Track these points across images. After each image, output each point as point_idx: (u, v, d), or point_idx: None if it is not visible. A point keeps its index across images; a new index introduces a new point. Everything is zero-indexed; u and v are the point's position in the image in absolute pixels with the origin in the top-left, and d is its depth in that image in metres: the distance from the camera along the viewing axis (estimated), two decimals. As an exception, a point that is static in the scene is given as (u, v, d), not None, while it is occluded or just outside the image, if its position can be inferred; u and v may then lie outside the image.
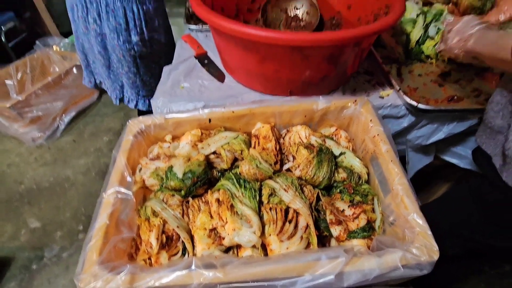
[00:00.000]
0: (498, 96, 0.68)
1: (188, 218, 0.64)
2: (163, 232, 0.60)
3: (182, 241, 0.60)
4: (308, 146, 0.70)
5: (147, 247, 0.58)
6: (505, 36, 0.57)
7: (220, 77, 0.94)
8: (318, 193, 0.66)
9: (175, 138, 0.77)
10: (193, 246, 0.60)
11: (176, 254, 0.60)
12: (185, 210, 0.66)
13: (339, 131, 0.77)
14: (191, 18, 1.23)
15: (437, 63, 1.01)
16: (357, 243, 0.58)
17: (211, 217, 0.62)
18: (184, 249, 0.60)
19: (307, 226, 0.59)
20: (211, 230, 0.60)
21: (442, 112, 0.82)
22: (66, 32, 2.55)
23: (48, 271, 1.39)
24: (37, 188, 1.75)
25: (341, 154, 0.72)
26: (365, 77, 0.97)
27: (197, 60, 1.01)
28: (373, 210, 0.64)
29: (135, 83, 1.16)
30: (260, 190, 0.65)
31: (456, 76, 0.97)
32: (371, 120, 0.69)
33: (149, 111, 1.13)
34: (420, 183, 1.59)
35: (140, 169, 0.71)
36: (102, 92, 1.33)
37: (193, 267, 0.48)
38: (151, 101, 0.87)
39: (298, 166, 0.68)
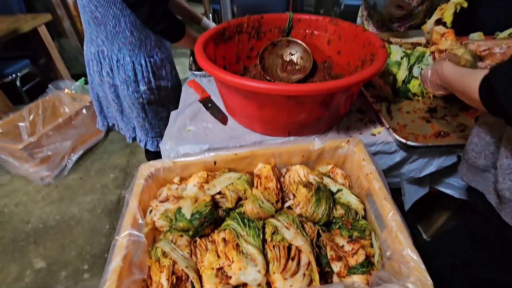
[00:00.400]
0: (476, 138, 0.71)
1: (196, 257, 0.68)
2: (173, 272, 0.64)
3: (191, 281, 0.63)
4: (307, 185, 0.75)
5: (158, 288, 0.61)
6: (473, 72, 0.58)
7: (223, 120, 1.01)
8: (318, 229, 0.70)
9: (182, 180, 0.83)
10: (201, 286, 0.63)
11: (185, 294, 0.63)
12: (193, 250, 0.69)
13: (335, 169, 0.83)
14: (195, 64, 1.34)
15: (424, 100, 1.09)
16: (357, 279, 0.61)
17: (218, 256, 0.65)
18: (193, 289, 0.63)
19: (309, 263, 0.63)
20: (218, 269, 0.63)
21: (430, 147, 0.88)
22: (76, 75, 2.72)
23: (52, 313, 1.38)
24: (43, 227, 1.78)
25: (338, 191, 0.77)
26: (358, 116, 1.04)
27: (201, 104, 1.09)
28: (371, 245, 0.68)
29: (144, 126, 1.26)
30: (264, 228, 0.69)
31: (442, 111, 1.04)
32: (363, 159, 0.75)
33: (156, 151, 1.20)
34: (420, 211, 1.62)
35: (151, 211, 0.76)
36: (109, 129, 1.44)
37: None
38: (160, 145, 0.94)
39: (298, 204, 0.72)
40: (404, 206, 1.10)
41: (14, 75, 2.23)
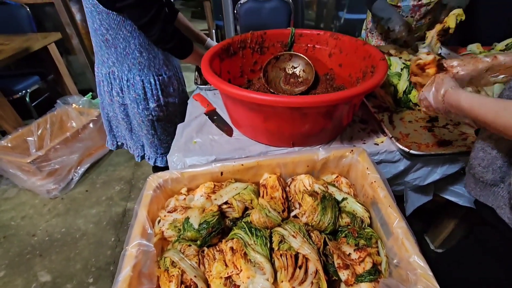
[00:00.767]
0: (481, 152, 0.69)
1: (204, 267, 0.68)
2: (181, 282, 0.64)
3: (200, 291, 0.64)
4: (312, 194, 0.76)
5: (167, 298, 0.62)
6: (508, 106, 0.52)
7: (228, 132, 1.04)
8: (325, 238, 0.71)
9: (190, 190, 0.84)
10: (210, 295, 0.64)
11: (194, 304, 0.64)
12: (201, 260, 0.70)
13: (340, 178, 0.84)
14: (200, 78, 1.39)
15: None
16: (365, 287, 0.62)
17: (226, 265, 0.66)
18: (202, 299, 0.64)
19: (317, 271, 0.63)
20: (226, 278, 0.64)
21: (433, 156, 0.89)
22: (83, 90, 2.79)
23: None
24: (49, 240, 1.78)
25: (343, 199, 0.78)
26: (360, 126, 1.06)
27: (207, 117, 1.12)
28: (378, 253, 0.68)
29: (153, 143, 1.30)
30: (271, 237, 0.70)
31: (444, 120, 1.06)
32: (367, 168, 0.76)
33: (166, 167, 1.22)
34: (426, 220, 1.61)
35: (159, 221, 0.77)
36: (118, 148, 1.49)
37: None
38: (167, 157, 0.96)
39: (304, 213, 0.73)
40: (405, 212, 1.10)
41: (24, 91, 2.28)
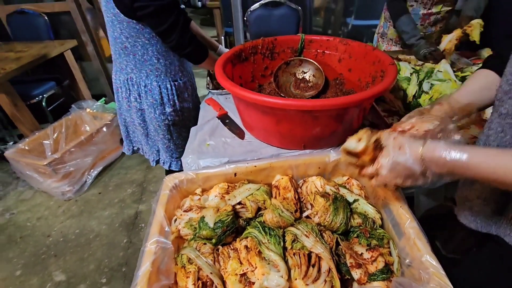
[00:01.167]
0: (478, 184, 0.68)
1: (219, 265, 0.71)
2: (198, 278, 0.67)
3: (216, 286, 0.66)
4: (324, 195, 0.78)
5: (185, 293, 0.64)
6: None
7: (241, 135, 1.07)
8: (337, 238, 0.73)
9: (204, 191, 0.87)
10: (226, 292, 0.66)
11: (210, 299, 0.66)
12: (216, 258, 0.72)
13: (351, 180, 0.86)
14: (212, 83, 1.43)
15: (435, 113, 1.12)
16: (378, 285, 0.63)
17: (241, 263, 0.68)
18: (218, 295, 0.66)
19: (330, 270, 0.65)
20: (241, 275, 0.66)
21: (443, 159, 0.90)
22: (97, 95, 2.88)
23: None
24: (64, 240, 1.83)
25: (354, 201, 0.79)
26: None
27: (219, 120, 1.15)
28: (390, 253, 0.70)
29: (169, 147, 1.34)
30: (284, 236, 0.72)
31: (454, 124, 1.07)
32: (378, 170, 0.78)
33: (179, 171, 1.26)
34: (437, 226, 1.59)
35: (175, 220, 0.80)
36: (134, 153, 1.55)
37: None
38: (182, 159, 1.00)
39: (317, 213, 0.75)
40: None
41: (40, 96, 2.37)
